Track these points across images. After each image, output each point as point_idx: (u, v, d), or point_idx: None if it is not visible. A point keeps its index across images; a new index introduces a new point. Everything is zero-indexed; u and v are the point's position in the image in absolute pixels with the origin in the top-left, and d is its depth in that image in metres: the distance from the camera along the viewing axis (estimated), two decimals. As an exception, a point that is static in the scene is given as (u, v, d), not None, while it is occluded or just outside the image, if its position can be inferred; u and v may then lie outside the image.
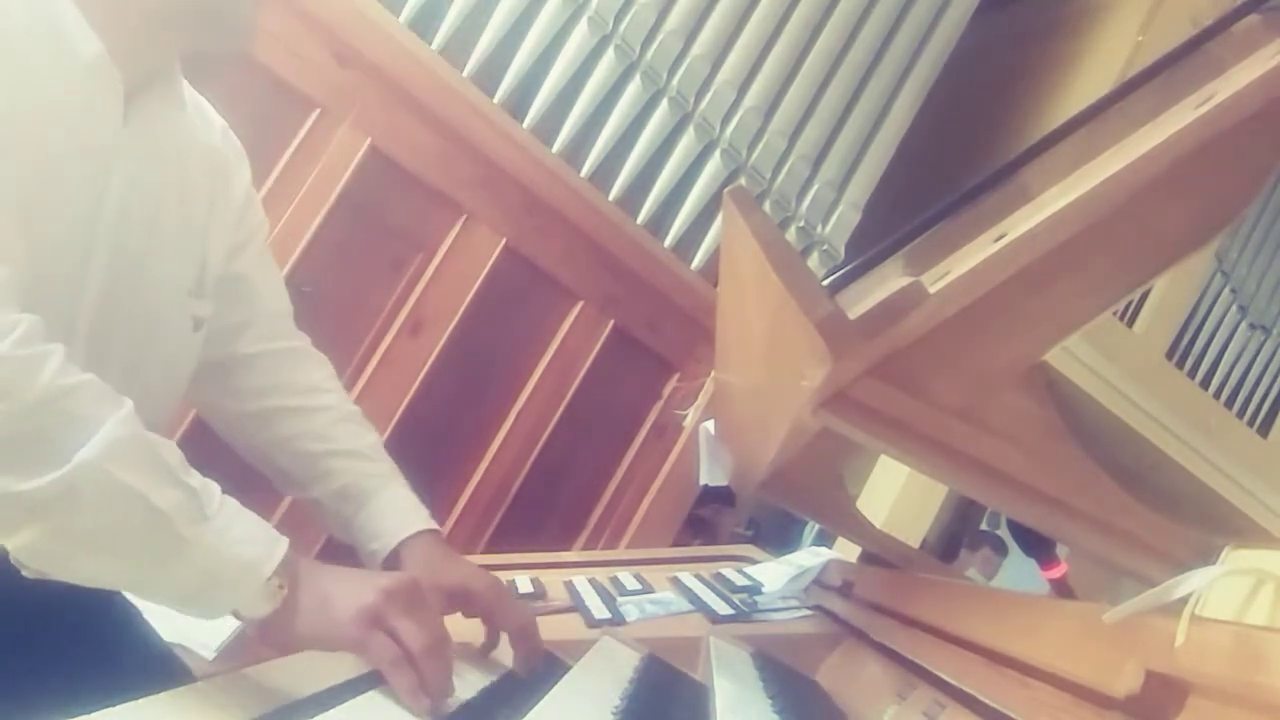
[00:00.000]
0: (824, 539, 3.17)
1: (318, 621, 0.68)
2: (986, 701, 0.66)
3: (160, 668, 0.90)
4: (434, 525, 0.95)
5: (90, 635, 0.86)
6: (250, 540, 0.66)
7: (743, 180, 2.54)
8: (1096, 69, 3.12)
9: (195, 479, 0.66)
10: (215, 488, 0.67)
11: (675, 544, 2.64)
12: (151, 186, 0.80)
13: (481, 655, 0.89)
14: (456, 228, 2.27)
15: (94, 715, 0.50)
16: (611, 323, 2.50)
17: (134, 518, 0.61)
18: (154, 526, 0.62)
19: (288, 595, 0.67)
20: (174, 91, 0.84)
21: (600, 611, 1.23)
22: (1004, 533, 4.16)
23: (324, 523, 1.00)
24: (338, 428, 0.98)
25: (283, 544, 0.68)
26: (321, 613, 0.68)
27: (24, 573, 0.63)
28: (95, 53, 0.72)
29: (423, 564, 0.91)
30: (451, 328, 2.28)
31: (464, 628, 0.88)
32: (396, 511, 0.94)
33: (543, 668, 0.86)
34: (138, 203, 0.78)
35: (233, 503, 0.68)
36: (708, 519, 3.42)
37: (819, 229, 2.67)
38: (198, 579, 0.64)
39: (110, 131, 0.75)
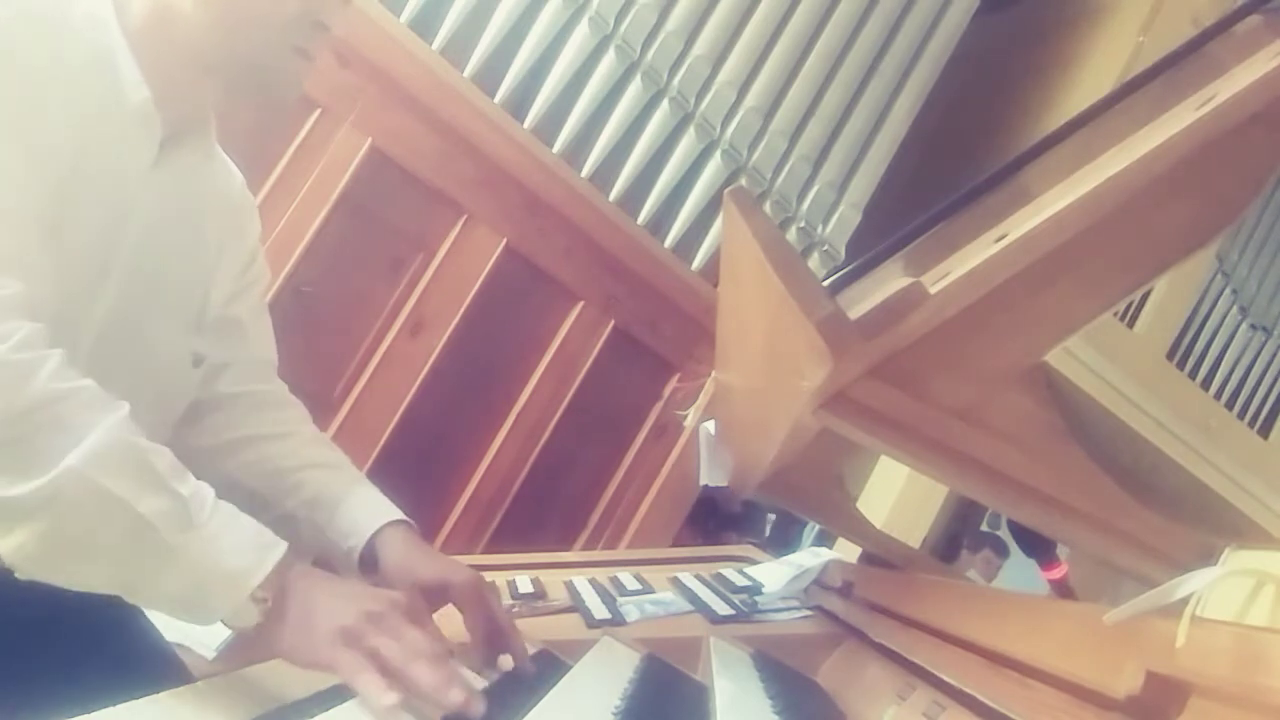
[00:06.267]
0: (824, 539, 3.17)
1: (296, 639, 0.65)
2: (987, 702, 0.65)
3: (161, 666, 0.90)
4: (405, 517, 0.94)
5: (91, 632, 0.85)
6: (239, 550, 0.65)
7: (743, 180, 2.54)
8: (1097, 70, 3.13)
9: (187, 486, 0.65)
10: (209, 494, 0.66)
11: (675, 544, 2.64)
12: (169, 226, 0.83)
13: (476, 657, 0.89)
14: (457, 228, 2.27)
15: (94, 715, 0.50)
16: (611, 323, 2.50)
17: (119, 525, 0.60)
18: (139, 534, 0.61)
19: (273, 608, 0.65)
20: (205, 142, 0.88)
21: (600, 611, 1.22)
22: (1004, 534, 4.16)
23: (299, 543, 0.98)
24: (308, 448, 0.99)
25: (275, 553, 0.66)
26: (301, 629, 0.65)
27: (17, 575, 0.62)
28: (142, 99, 0.76)
29: (400, 558, 0.90)
30: (452, 328, 2.28)
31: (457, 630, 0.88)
32: (367, 506, 0.94)
33: (542, 667, 0.86)
34: (154, 239, 0.81)
35: (227, 509, 0.66)
36: (737, 515, 3.42)
37: (819, 229, 2.67)
38: (184, 588, 0.63)
39: (140, 170, 0.78)
